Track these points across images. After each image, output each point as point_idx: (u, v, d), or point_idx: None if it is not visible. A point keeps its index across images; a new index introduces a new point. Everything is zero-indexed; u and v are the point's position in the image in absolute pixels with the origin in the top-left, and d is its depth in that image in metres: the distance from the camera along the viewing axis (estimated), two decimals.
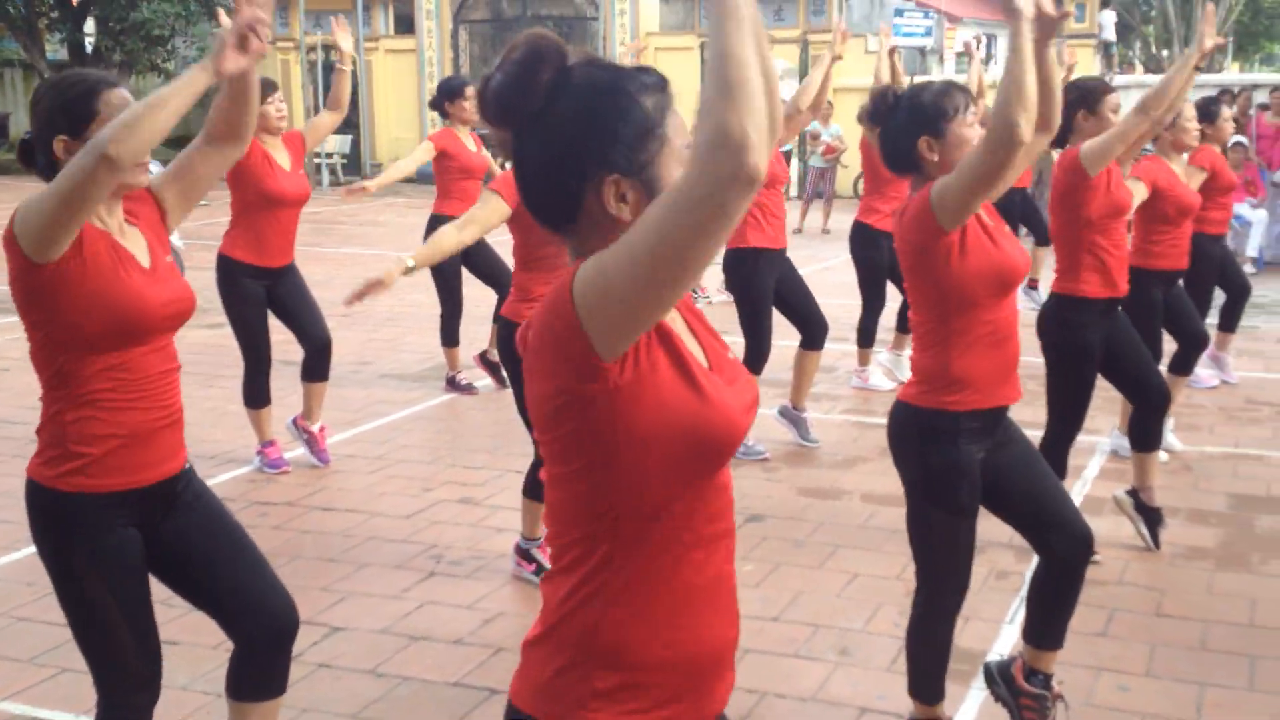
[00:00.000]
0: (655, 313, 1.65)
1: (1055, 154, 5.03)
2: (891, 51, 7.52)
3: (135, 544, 2.85)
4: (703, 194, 1.52)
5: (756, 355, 6.43)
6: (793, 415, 6.80)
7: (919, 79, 21.13)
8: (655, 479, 1.72)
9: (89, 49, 23.68)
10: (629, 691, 1.77)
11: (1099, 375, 4.94)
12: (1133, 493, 5.27)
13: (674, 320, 1.82)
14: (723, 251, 6.65)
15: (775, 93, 1.67)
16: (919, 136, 3.27)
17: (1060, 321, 4.82)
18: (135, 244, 2.87)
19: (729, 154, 1.50)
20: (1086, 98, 4.77)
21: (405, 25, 24.73)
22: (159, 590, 2.95)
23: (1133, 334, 5.01)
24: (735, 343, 6.43)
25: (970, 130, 3.27)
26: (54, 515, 2.79)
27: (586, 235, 1.76)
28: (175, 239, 10.97)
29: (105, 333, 2.75)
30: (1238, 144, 10.79)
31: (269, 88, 5.96)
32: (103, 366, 2.77)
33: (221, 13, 2.55)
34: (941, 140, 3.26)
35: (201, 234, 13.16)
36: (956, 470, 3.28)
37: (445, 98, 7.61)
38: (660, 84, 1.77)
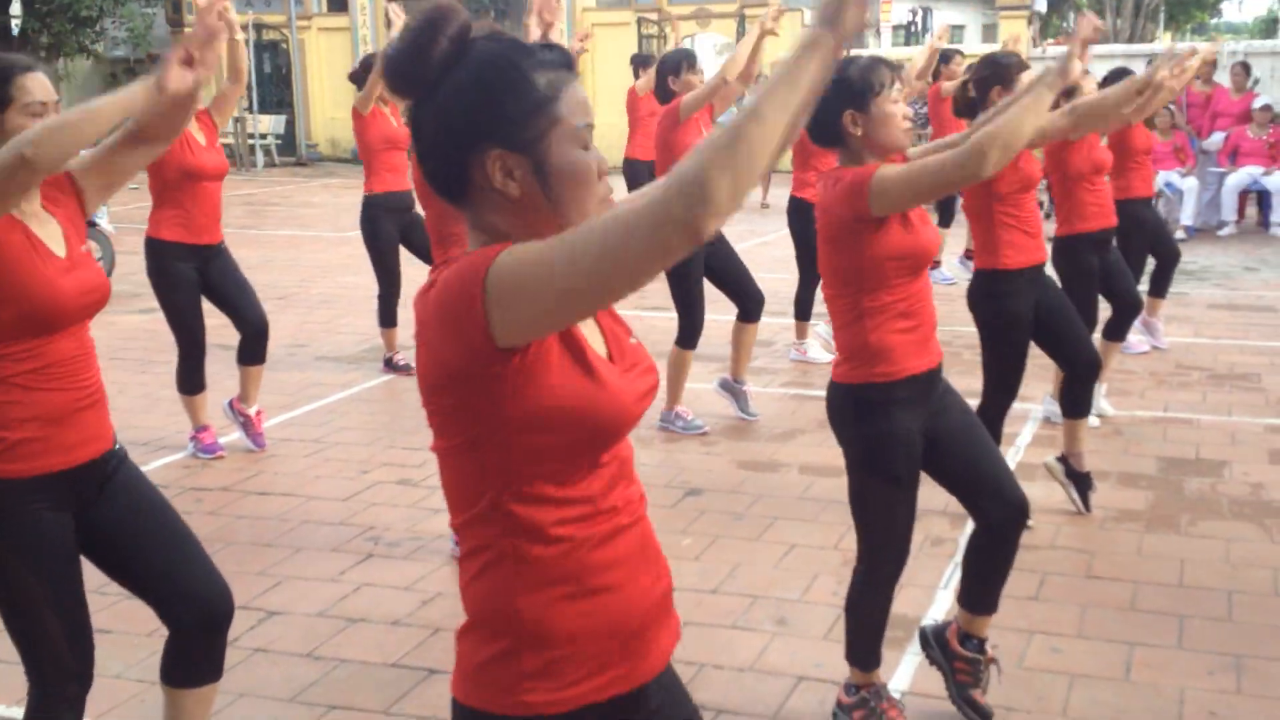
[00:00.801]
0: (563, 322, 1.64)
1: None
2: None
3: (65, 529, 2.81)
4: (647, 222, 1.51)
5: (689, 330, 6.44)
6: (732, 388, 6.83)
7: (853, 52, 21.24)
8: (538, 459, 1.72)
9: (15, 31, 23.19)
10: (559, 666, 1.76)
11: (1031, 342, 5.01)
12: (1062, 459, 5.35)
13: None
14: None
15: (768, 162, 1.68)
16: (844, 111, 3.29)
17: (988, 295, 4.86)
18: (50, 233, 2.84)
19: (689, 198, 1.48)
20: (1001, 74, 4.78)
21: (338, 3, 24.42)
22: (91, 578, 2.93)
23: (1064, 300, 5.08)
24: (672, 322, 6.47)
25: (894, 106, 3.30)
26: None
27: (479, 209, 1.76)
28: (105, 224, 10.81)
29: (17, 322, 2.72)
30: (1165, 110, 10.93)
31: None
32: (16, 350, 2.74)
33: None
34: (866, 115, 3.28)
35: (133, 217, 12.97)
36: (892, 440, 3.32)
37: (366, 72, 7.59)
38: (559, 61, 1.75)
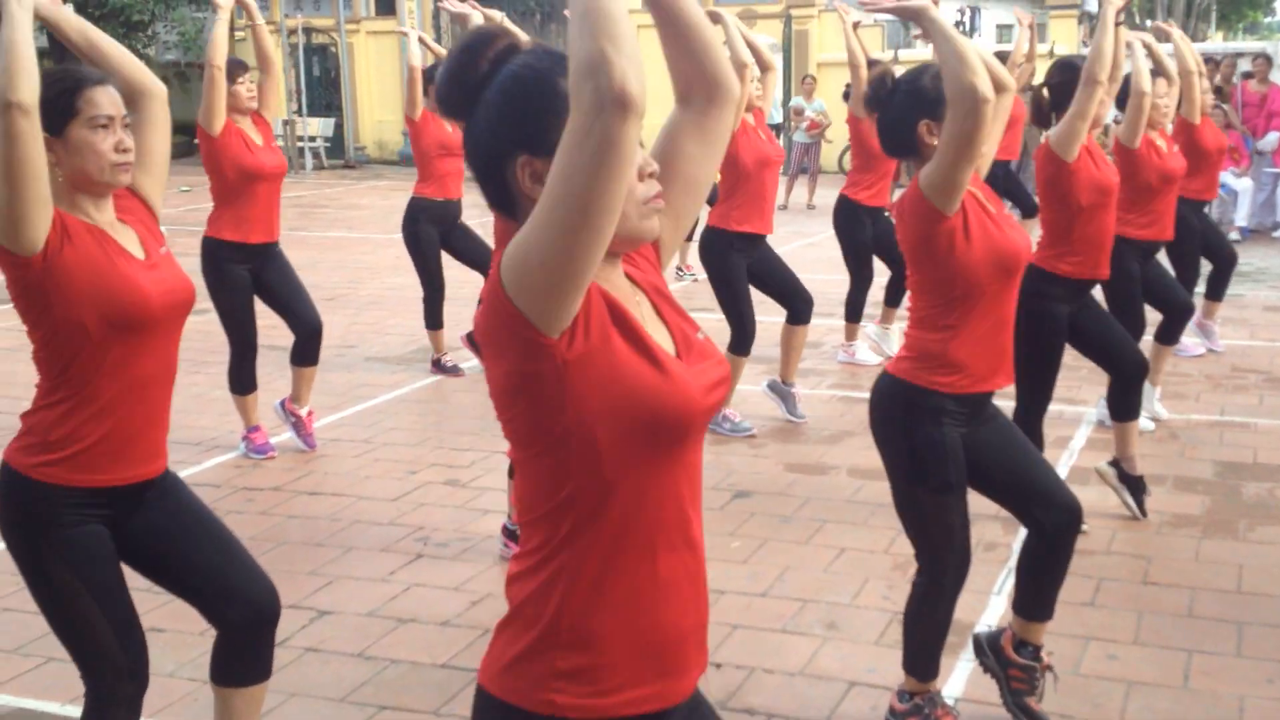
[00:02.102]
0: (576, 271, 1.62)
1: (1042, 134, 4.99)
2: (855, 26, 7.45)
3: (102, 537, 2.83)
4: (582, 128, 1.54)
5: (740, 336, 6.39)
6: (781, 390, 6.80)
7: (903, 52, 21.05)
8: (608, 456, 1.71)
9: None
10: (590, 673, 1.77)
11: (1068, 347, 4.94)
12: (1114, 463, 5.28)
13: (638, 303, 1.82)
14: (701, 229, 6.63)
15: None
16: (919, 121, 3.27)
17: (1033, 291, 4.78)
18: (127, 238, 2.87)
19: (592, 78, 1.52)
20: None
21: (386, 6, 24.58)
22: (142, 578, 2.94)
23: (1100, 309, 5.04)
24: (720, 324, 6.45)
25: None
26: (22, 504, 2.79)
27: (524, 220, 1.78)
28: None
29: (105, 324, 2.73)
30: (1217, 108, 10.77)
31: (239, 68, 5.94)
32: (108, 365, 2.76)
33: None
34: (942, 124, 3.23)
35: (185, 220, 13.09)
36: (942, 448, 3.27)
37: (427, 82, 7.61)
38: None
